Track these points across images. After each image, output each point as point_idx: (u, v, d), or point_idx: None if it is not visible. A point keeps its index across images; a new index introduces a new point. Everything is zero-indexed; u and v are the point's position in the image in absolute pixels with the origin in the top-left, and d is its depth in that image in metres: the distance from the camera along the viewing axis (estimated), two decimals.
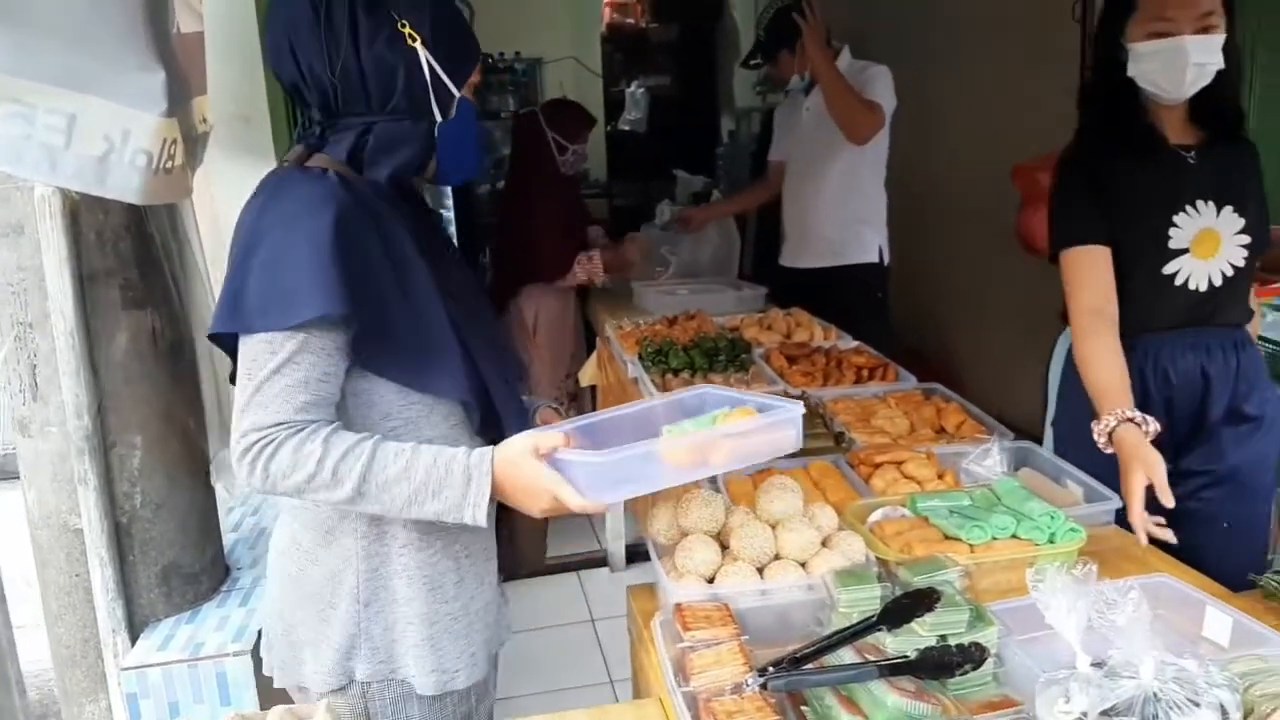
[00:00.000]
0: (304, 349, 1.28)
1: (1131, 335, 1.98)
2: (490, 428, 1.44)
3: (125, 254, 1.83)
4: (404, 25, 1.37)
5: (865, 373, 2.71)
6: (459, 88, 1.45)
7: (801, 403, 1.50)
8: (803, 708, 1.19)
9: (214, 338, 1.38)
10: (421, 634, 1.40)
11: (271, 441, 1.26)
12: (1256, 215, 1.99)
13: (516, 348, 1.60)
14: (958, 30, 4.64)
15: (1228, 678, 1.08)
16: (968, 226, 4.62)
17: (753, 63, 3.51)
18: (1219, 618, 1.39)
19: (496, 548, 1.54)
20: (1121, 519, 1.83)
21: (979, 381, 4.35)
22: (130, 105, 1.47)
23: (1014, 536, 1.59)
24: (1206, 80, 1.88)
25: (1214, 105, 1.95)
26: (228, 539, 2.34)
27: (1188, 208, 1.96)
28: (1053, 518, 1.60)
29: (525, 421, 1.48)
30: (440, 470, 1.28)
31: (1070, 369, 2.10)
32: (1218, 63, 1.86)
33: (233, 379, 1.36)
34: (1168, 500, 1.65)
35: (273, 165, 2.91)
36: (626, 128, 7.45)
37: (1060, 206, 2.07)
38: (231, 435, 1.30)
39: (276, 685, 1.51)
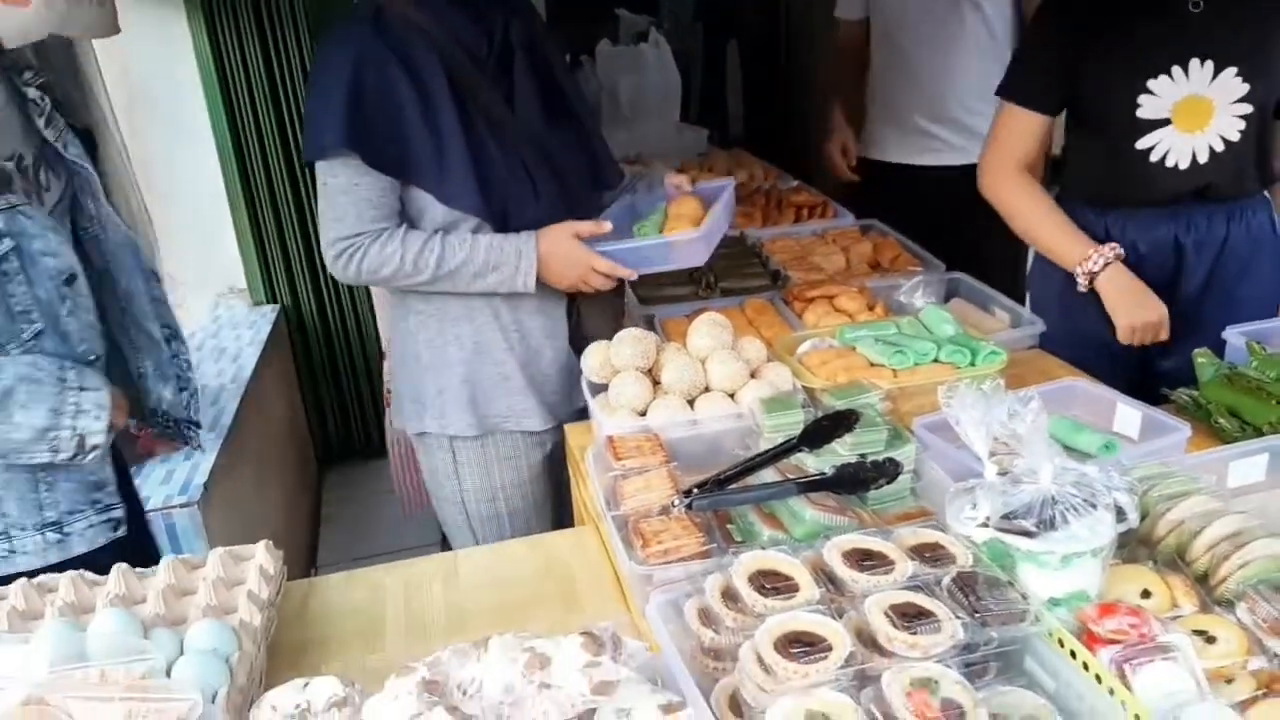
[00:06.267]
0: (360, 172, 1.57)
1: (1099, 208, 1.85)
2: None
3: None
4: None
5: (805, 211, 2.71)
6: None
7: (731, 180, 1.92)
8: (728, 526, 1.23)
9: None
10: (467, 391, 1.73)
11: (358, 248, 1.61)
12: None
13: (606, 169, 1.84)
14: None
15: (1128, 482, 1.13)
16: None
17: None
18: (1128, 412, 1.46)
19: (567, 329, 1.80)
20: (1045, 343, 1.89)
21: None
22: None
23: (936, 360, 1.63)
24: None
25: None
26: None
27: (1174, 70, 1.70)
28: (975, 343, 1.64)
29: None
30: (496, 251, 1.62)
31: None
32: None
33: None
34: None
35: (183, 14, 2.82)
36: None
37: (1022, 48, 1.91)
38: (322, 242, 1.63)
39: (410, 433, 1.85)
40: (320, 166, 1.60)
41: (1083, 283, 1.79)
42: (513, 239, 1.63)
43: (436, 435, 1.78)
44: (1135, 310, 1.77)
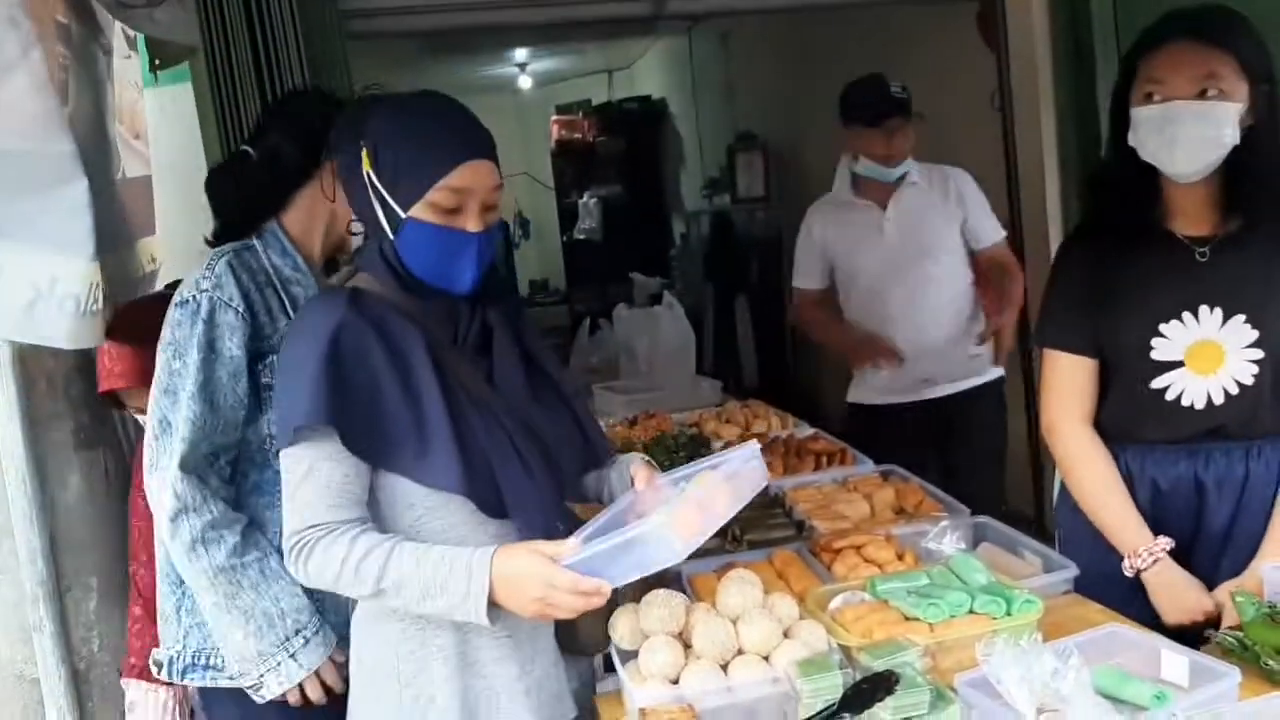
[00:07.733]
0: (321, 456, 1.40)
1: (1117, 443, 1.86)
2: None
3: (76, 397, 1.85)
4: (364, 146, 1.44)
5: (824, 459, 2.74)
6: (407, 206, 1.43)
7: (755, 442, 1.58)
8: None
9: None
10: (457, 712, 1.48)
11: (307, 544, 1.39)
12: None
13: (597, 447, 1.66)
14: None
15: None
16: None
17: (888, 122, 3.03)
18: (1174, 659, 1.41)
19: (554, 630, 1.58)
20: (1081, 587, 1.85)
21: None
22: (58, 250, 1.50)
23: (971, 611, 1.60)
24: (1214, 155, 1.65)
25: (1242, 187, 1.69)
26: None
27: (1185, 315, 1.74)
28: (1009, 592, 1.61)
29: (548, 515, 1.49)
30: (445, 568, 1.35)
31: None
32: (1225, 136, 1.63)
33: None
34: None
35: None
36: (582, 236, 7.62)
37: (1049, 300, 1.95)
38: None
39: None
40: (288, 453, 1.42)
41: (1129, 572, 1.80)
42: (465, 555, 1.36)
43: None
44: (1179, 608, 1.76)
